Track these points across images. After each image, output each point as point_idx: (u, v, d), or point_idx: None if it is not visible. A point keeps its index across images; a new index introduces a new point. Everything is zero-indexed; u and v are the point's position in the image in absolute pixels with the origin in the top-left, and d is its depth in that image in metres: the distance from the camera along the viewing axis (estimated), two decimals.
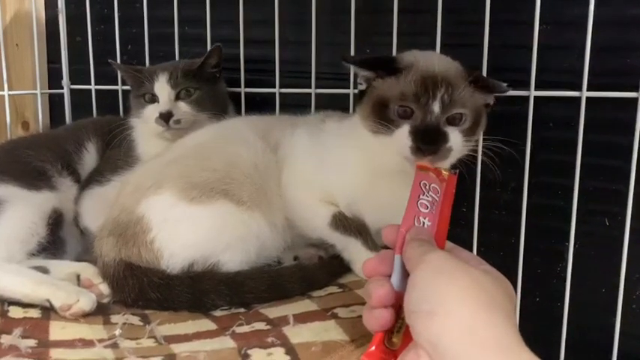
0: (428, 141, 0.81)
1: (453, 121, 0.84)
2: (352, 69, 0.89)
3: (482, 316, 0.49)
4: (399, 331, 0.59)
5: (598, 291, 1.09)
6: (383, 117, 0.85)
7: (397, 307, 0.60)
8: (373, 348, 0.58)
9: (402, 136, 0.83)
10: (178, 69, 1.19)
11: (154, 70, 1.20)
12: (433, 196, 0.67)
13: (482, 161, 0.97)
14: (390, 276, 0.61)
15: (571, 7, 1.04)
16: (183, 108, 1.17)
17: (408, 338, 0.57)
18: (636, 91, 0.99)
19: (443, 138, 0.82)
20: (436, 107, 0.82)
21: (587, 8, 0.98)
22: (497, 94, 0.89)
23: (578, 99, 1.02)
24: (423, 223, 0.65)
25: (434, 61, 0.88)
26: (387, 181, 0.90)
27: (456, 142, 0.83)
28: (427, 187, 0.67)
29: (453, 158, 0.85)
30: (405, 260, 0.60)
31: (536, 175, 1.07)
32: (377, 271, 0.62)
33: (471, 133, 0.86)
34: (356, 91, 1.17)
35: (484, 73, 1.05)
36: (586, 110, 1.01)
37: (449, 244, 0.65)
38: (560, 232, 1.07)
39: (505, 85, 0.88)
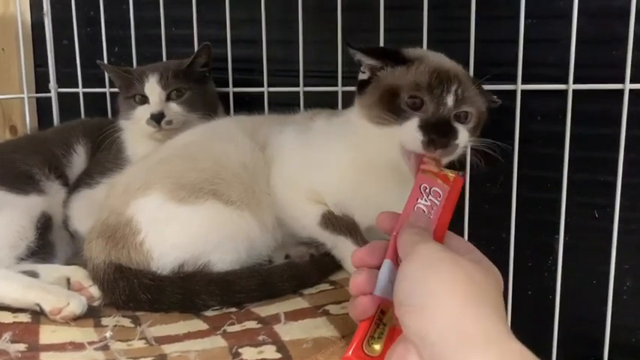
0: (441, 133, 0.78)
1: (460, 119, 0.82)
2: (356, 56, 0.87)
3: (470, 310, 0.49)
4: (380, 337, 0.58)
5: (589, 283, 1.09)
6: (391, 107, 0.82)
7: (379, 311, 0.59)
8: (350, 353, 0.56)
9: (411, 128, 0.80)
10: (169, 69, 1.18)
11: (144, 71, 1.19)
12: (433, 200, 0.65)
13: (471, 156, 0.97)
14: (378, 268, 0.61)
15: (556, 0, 1.05)
16: (175, 108, 1.17)
17: (390, 345, 0.57)
18: (622, 82, 0.99)
19: (454, 133, 0.80)
20: (450, 100, 0.81)
21: (572, 1, 0.99)
22: (487, 105, 0.89)
23: (565, 92, 1.02)
24: None
25: (442, 58, 0.88)
26: (376, 178, 0.90)
27: (463, 139, 0.82)
28: (427, 190, 0.65)
29: (456, 155, 0.83)
30: (398, 245, 0.59)
31: (525, 168, 1.08)
32: (365, 261, 0.62)
33: (473, 133, 0.85)
34: (345, 88, 1.17)
35: (471, 67, 1.06)
36: (573, 103, 1.02)
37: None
38: (550, 224, 1.08)
39: (495, 97, 0.89)
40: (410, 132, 0.80)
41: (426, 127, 0.79)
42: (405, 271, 0.55)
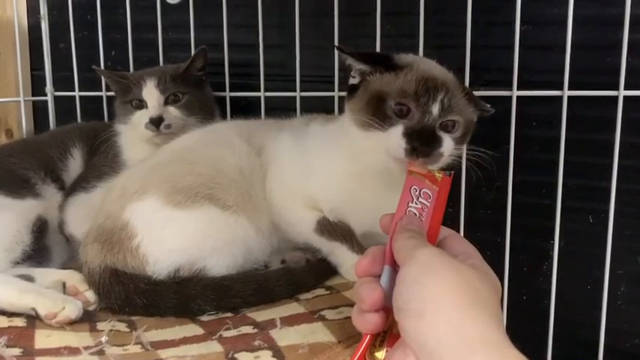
0: (424, 142, 0.79)
1: (446, 127, 0.83)
2: (347, 61, 0.87)
3: (468, 315, 0.49)
4: (381, 344, 0.58)
5: (583, 287, 1.10)
6: (377, 113, 0.83)
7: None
8: None
9: (396, 135, 0.81)
10: (166, 74, 1.18)
11: (141, 76, 1.19)
12: (423, 201, 0.64)
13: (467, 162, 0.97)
14: (379, 276, 0.60)
15: (551, 7, 1.06)
16: (173, 112, 1.17)
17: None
18: (617, 89, 1.00)
19: (437, 142, 0.81)
20: (435, 109, 0.81)
21: (567, 8, 1.00)
22: (480, 114, 0.89)
23: (560, 98, 1.03)
24: None
25: (433, 65, 0.88)
26: (370, 183, 0.90)
27: (448, 148, 0.82)
28: (417, 192, 0.65)
29: (441, 163, 0.84)
30: (394, 251, 0.59)
31: (521, 173, 1.09)
32: (369, 271, 0.61)
33: (460, 142, 0.85)
34: (341, 93, 1.18)
35: (467, 73, 1.07)
36: (568, 109, 1.03)
37: (446, 231, 0.64)
38: (545, 229, 1.08)
39: (489, 106, 0.89)
40: (394, 139, 0.81)
41: (410, 134, 0.80)
42: (404, 276, 0.54)
